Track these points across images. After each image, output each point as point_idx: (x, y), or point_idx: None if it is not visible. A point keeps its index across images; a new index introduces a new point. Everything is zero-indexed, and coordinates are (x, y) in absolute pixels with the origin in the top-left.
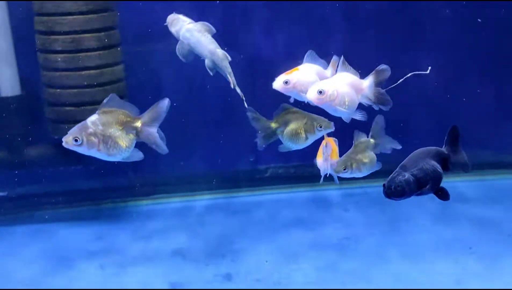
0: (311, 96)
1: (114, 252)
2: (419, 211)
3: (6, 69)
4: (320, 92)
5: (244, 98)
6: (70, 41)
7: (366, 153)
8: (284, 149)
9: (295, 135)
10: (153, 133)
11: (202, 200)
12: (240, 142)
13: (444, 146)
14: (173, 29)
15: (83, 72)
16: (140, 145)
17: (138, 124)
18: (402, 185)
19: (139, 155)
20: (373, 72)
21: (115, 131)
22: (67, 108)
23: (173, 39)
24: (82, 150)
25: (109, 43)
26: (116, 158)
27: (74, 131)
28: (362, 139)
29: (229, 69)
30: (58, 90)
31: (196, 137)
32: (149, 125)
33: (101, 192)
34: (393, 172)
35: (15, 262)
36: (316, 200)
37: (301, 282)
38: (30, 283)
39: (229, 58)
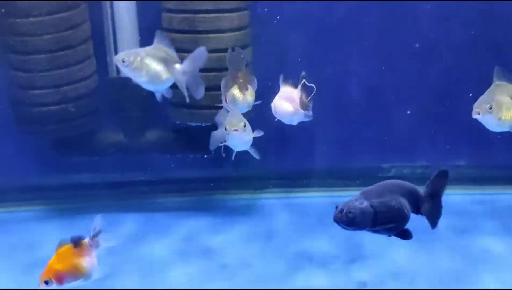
0: None
1: (230, 248)
2: None
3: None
4: None
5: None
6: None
7: None
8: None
9: None
10: (183, 78)
11: (318, 197)
12: (363, 138)
13: (425, 187)
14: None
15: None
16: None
17: (177, 66)
18: (354, 213)
19: (169, 93)
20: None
21: (158, 65)
22: None
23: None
24: (126, 71)
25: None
26: (150, 87)
27: (125, 53)
28: None
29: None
30: None
31: (318, 133)
32: (185, 70)
33: (215, 182)
34: (352, 197)
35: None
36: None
37: None
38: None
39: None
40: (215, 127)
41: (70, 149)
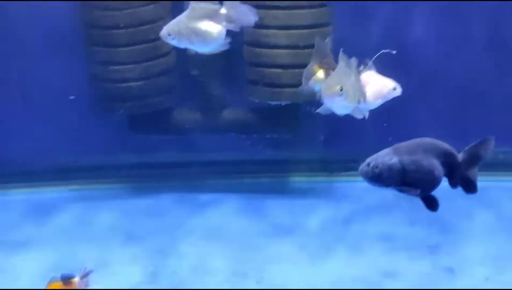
0: None
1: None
2: None
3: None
4: None
5: None
6: None
7: None
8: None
9: None
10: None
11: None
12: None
13: (463, 152)
14: None
15: (293, 32)
16: None
17: (223, 11)
18: (381, 169)
19: (225, 45)
20: None
21: (204, 23)
22: (270, 70)
23: None
24: (176, 43)
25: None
26: (209, 48)
27: (167, 27)
28: None
29: None
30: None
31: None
32: (232, 12)
33: (291, 164)
34: (382, 150)
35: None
36: None
37: None
38: None
39: None
40: (295, 106)
41: (148, 127)
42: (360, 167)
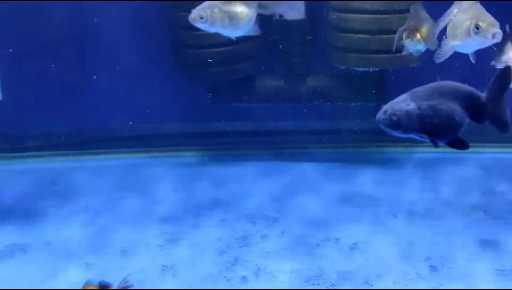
0: None
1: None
2: None
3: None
4: None
5: None
6: None
7: None
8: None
9: None
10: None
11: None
12: None
13: (485, 91)
14: None
15: None
16: None
17: None
18: (399, 116)
19: (256, 30)
20: None
21: (236, 6)
22: (359, 36)
23: None
24: (208, 27)
25: None
26: (240, 32)
27: (199, 10)
28: None
29: None
30: (349, 14)
31: None
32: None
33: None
34: (399, 97)
35: None
36: None
37: None
38: None
39: None
40: (383, 73)
41: (230, 94)
42: (378, 115)
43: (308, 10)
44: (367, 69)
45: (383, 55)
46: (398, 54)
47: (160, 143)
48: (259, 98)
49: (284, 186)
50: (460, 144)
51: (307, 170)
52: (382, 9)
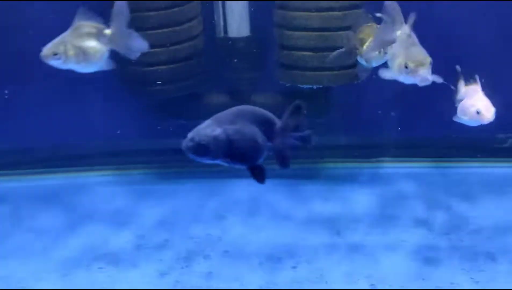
0: None
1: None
2: None
3: (235, 7)
4: None
5: None
6: None
7: None
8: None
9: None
10: (118, 41)
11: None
12: None
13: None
14: None
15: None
16: None
17: (106, 31)
18: (207, 141)
19: (109, 64)
20: None
21: (89, 41)
22: (303, 53)
23: None
24: (61, 64)
25: None
26: (93, 68)
27: (51, 47)
28: None
29: None
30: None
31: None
32: (114, 33)
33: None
34: (203, 123)
35: None
36: None
37: None
38: None
39: None
40: (327, 89)
41: (176, 111)
42: (184, 144)
43: (254, 27)
44: (311, 86)
45: (327, 72)
46: (343, 71)
47: (104, 162)
48: (206, 115)
49: (228, 204)
50: (261, 174)
51: (252, 187)
52: (326, 26)
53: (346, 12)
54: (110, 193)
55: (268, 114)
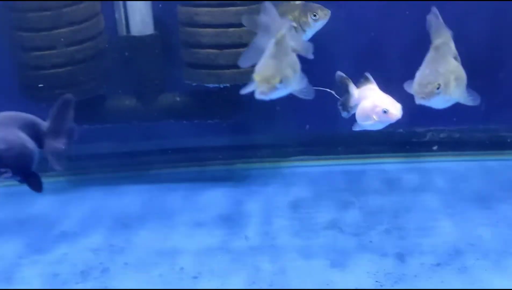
0: None
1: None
2: None
3: (138, 4)
4: None
5: None
6: None
7: None
8: None
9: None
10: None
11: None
12: None
13: (49, 119)
14: None
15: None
16: None
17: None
18: None
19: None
20: None
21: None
22: (207, 50)
23: None
24: None
25: None
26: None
27: None
28: None
29: None
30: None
31: None
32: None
33: (233, 150)
34: None
35: None
36: (486, 171)
37: None
38: None
39: None
40: (234, 88)
41: (79, 116)
42: None
43: (160, 25)
44: (217, 85)
45: (233, 70)
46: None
47: None
48: (111, 118)
49: (135, 211)
50: (36, 181)
51: (162, 192)
52: (230, 22)
53: (251, 7)
54: None
55: (33, 118)
